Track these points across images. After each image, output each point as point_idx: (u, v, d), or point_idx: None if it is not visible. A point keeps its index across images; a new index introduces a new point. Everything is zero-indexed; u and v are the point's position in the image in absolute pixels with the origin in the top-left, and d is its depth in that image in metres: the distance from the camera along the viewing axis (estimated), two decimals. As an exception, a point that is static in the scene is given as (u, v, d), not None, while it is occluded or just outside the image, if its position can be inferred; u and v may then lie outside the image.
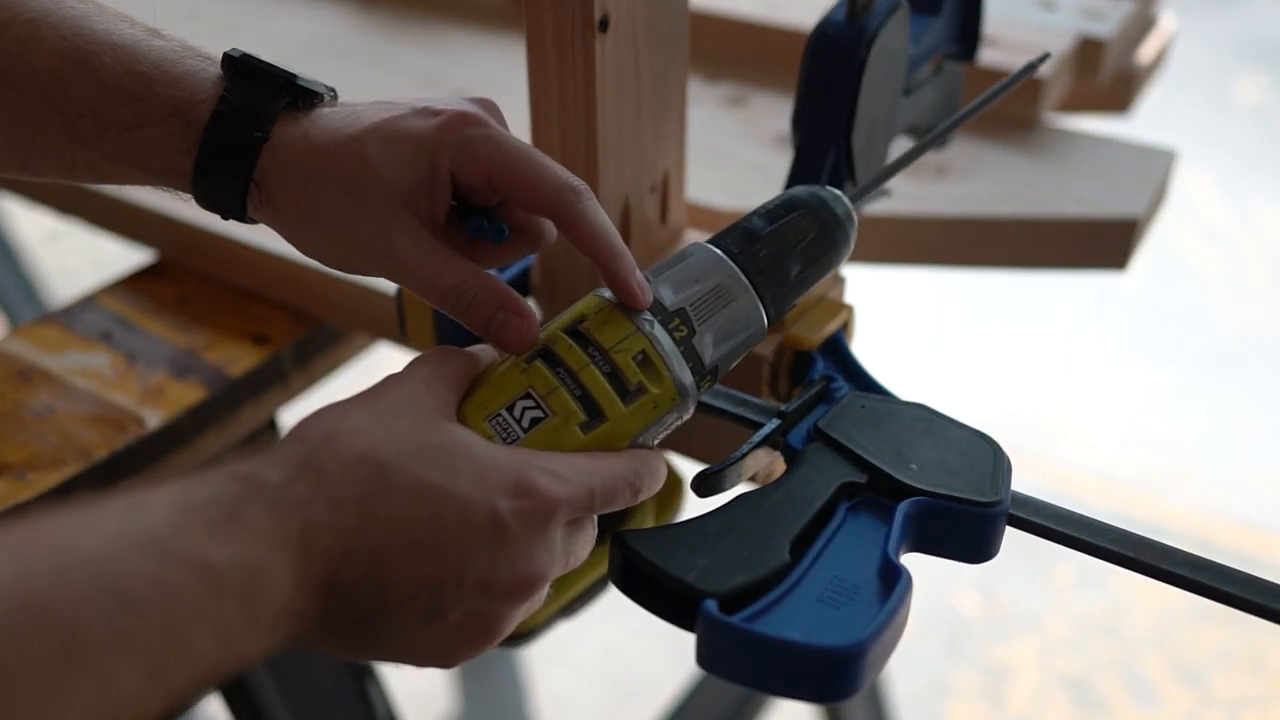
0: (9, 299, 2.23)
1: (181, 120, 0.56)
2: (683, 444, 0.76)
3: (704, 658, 0.50)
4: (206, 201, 0.58)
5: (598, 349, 0.53)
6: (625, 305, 0.55)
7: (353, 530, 0.46)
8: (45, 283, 2.35)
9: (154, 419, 0.80)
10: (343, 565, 0.46)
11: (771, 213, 0.59)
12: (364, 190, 0.55)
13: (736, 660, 0.49)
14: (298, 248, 0.58)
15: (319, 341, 0.91)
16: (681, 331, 0.55)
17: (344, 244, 0.56)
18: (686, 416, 0.56)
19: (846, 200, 0.60)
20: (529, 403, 0.52)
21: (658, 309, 0.55)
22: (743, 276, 0.57)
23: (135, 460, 0.79)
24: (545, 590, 0.51)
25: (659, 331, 0.54)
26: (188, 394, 0.83)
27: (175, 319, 0.91)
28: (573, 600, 0.83)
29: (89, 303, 0.92)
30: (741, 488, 0.58)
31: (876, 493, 0.57)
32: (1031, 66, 0.64)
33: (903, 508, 0.55)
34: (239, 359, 0.86)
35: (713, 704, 1.45)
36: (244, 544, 0.43)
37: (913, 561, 0.55)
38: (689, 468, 0.64)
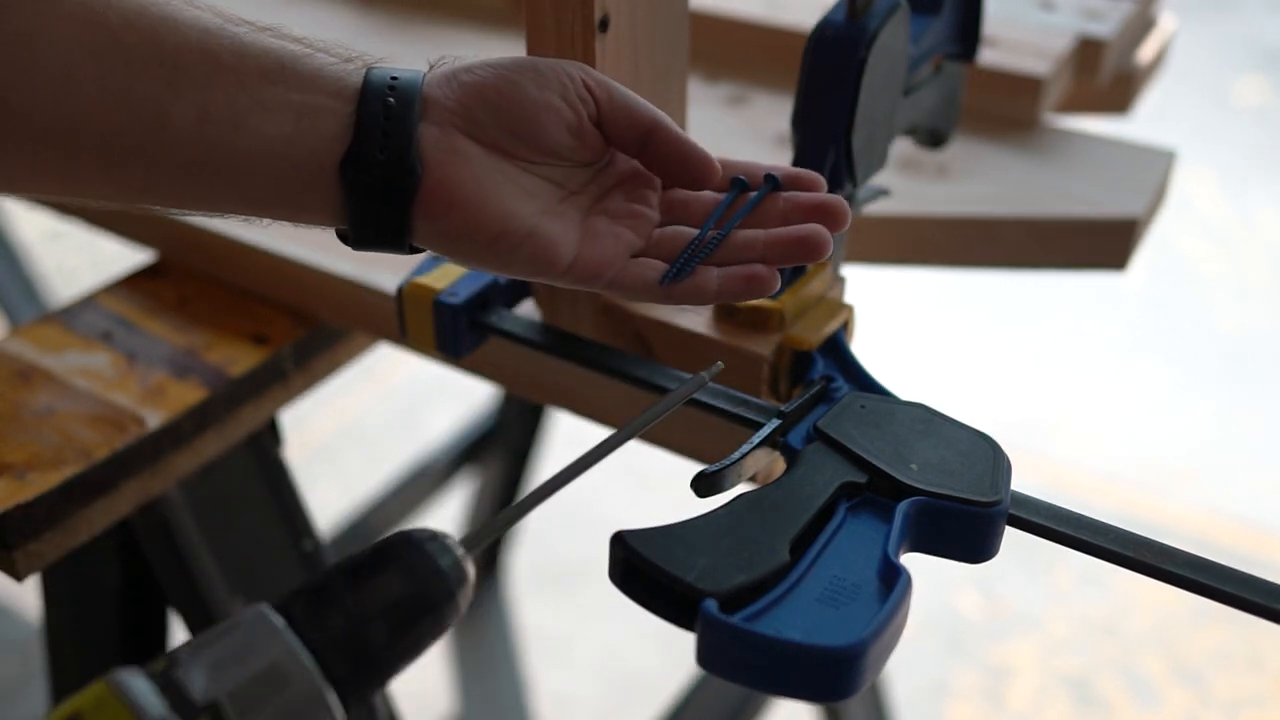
0: (9, 299, 2.23)
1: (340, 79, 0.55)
2: (683, 444, 0.76)
3: (704, 658, 0.50)
4: (368, 156, 0.54)
5: None
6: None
7: None
8: (45, 283, 2.35)
9: (154, 419, 0.80)
10: None
11: (356, 567, 0.48)
12: (533, 67, 0.57)
13: (736, 660, 0.49)
14: (473, 153, 0.56)
15: (319, 341, 0.91)
16: None
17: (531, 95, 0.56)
18: None
19: (457, 550, 0.49)
20: None
21: (181, 704, 0.42)
22: (304, 653, 0.45)
23: (135, 460, 0.79)
24: None
25: None
26: (188, 394, 0.83)
27: (175, 319, 0.91)
28: None
29: (89, 303, 0.92)
30: (741, 488, 0.58)
31: (876, 493, 0.57)
32: (702, 381, 0.60)
33: (902, 508, 0.55)
34: (239, 359, 0.86)
35: (713, 704, 1.45)
36: None
37: (913, 561, 0.54)
38: (689, 468, 0.63)
